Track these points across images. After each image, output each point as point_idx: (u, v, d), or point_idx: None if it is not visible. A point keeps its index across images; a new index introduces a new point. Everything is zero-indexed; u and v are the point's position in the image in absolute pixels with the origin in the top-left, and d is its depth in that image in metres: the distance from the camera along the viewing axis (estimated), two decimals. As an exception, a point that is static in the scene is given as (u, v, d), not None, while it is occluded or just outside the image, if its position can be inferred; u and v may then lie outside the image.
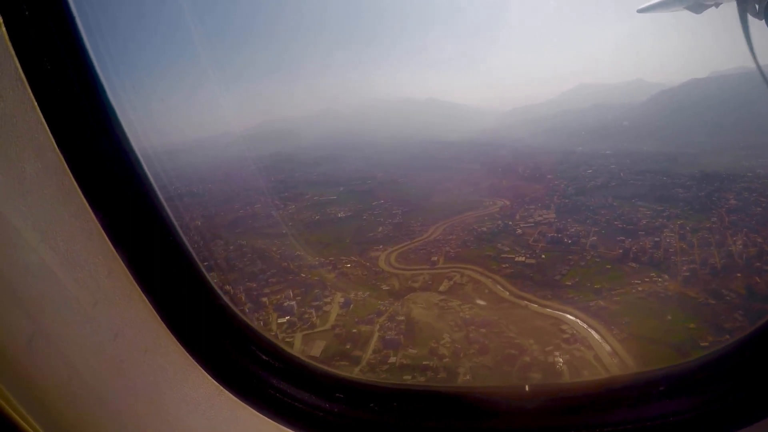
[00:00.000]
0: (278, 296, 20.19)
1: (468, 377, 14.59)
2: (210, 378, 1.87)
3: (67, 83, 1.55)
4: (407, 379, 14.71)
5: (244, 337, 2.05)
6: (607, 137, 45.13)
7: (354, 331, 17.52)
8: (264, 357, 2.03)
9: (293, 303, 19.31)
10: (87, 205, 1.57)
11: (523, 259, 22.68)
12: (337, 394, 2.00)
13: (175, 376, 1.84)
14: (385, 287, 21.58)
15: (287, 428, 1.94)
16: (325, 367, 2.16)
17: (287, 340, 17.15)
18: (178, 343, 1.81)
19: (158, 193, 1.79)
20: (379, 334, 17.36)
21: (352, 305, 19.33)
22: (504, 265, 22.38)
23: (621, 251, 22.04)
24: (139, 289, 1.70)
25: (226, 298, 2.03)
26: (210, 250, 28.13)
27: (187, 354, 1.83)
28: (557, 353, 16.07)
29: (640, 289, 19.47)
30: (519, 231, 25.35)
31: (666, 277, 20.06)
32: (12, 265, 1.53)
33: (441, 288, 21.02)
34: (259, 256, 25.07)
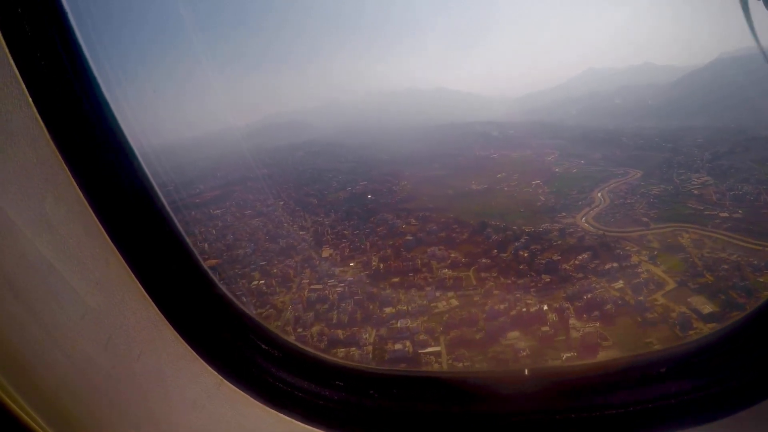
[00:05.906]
0: (574, 262, 19.50)
1: None
2: (210, 369, 1.89)
3: (61, 79, 1.54)
4: None
5: (243, 326, 2.07)
6: (648, 116, 49.19)
7: (707, 281, 17.34)
8: (264, 346, 2.04)
9: (614, 265, 18.73)
10: (84, 199, 1.57)
11: (728, 214, 24.04)
12: (336, 382, 2.02)
13: (177, 368, 1.85)
14: (630, 248, 21.52)
15: (288, 417, 1.95)
16: (325, 355, 2.18)
17: (657, 303, 16.52)
18: (178, 335, 1.82)
19: (153, 183, 1.79)
20: (724, 284, 17.41)
21: (661, 264, 19.21)
22: (716, 221, 23.54)
23: (807, 203, 24.41)
24: (137, 281, 1.70)
25: (223, 287, 2.02)
26: (388, 224, 25.56)
27: (188, 345, 1.85)
28: None
29: None
30: (696, 192, 26.77)
31: None
32: (12, 262, 1.51)
33: (684, 243, 21.53)
34: (477, 226, 23.37)
